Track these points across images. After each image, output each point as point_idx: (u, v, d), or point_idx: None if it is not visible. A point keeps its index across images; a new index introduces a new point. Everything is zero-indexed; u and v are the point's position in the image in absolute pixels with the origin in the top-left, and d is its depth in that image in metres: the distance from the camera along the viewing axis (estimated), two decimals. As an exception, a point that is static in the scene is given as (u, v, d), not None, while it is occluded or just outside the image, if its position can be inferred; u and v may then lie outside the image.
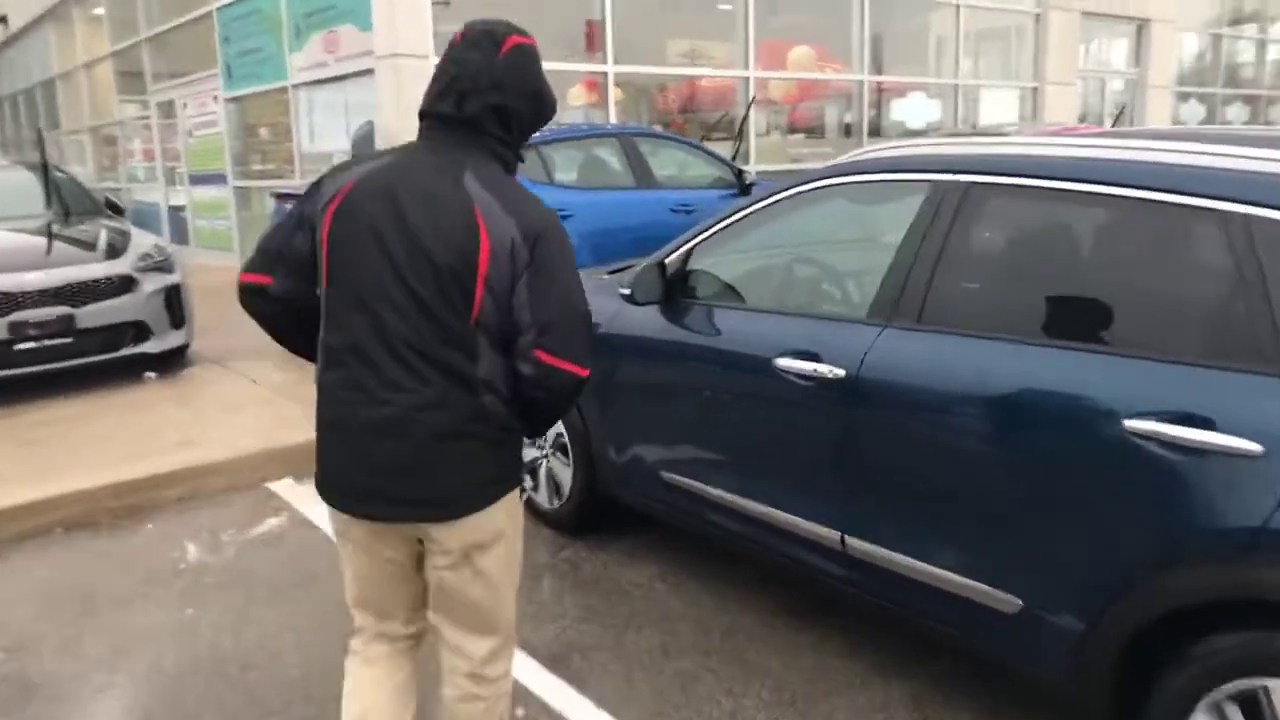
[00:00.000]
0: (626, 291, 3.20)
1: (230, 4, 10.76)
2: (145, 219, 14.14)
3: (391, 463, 1.75)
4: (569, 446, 3.80)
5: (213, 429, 5.00)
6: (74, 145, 17.05)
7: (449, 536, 1.82)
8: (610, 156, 6.90)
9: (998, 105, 13.68)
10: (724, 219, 3.28)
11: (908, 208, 2.75)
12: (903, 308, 2.62)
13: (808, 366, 2.74)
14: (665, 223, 6.71)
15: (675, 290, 3.30)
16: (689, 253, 3.31)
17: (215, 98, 11.51)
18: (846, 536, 2.71)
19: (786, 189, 3.10)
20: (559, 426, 3.82)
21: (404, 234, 1.74)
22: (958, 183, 2.59)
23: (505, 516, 1.88)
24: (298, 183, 10.08)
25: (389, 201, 1.76)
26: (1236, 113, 17.90)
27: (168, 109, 12.90)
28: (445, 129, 1.82)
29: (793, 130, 11.98)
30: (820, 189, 3.02)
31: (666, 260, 3.30)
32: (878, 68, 12.05)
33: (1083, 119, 14.22)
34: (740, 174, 7.26)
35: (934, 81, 13.00)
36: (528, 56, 1.85)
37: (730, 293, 3.29)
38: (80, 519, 4.16)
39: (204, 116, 11.94)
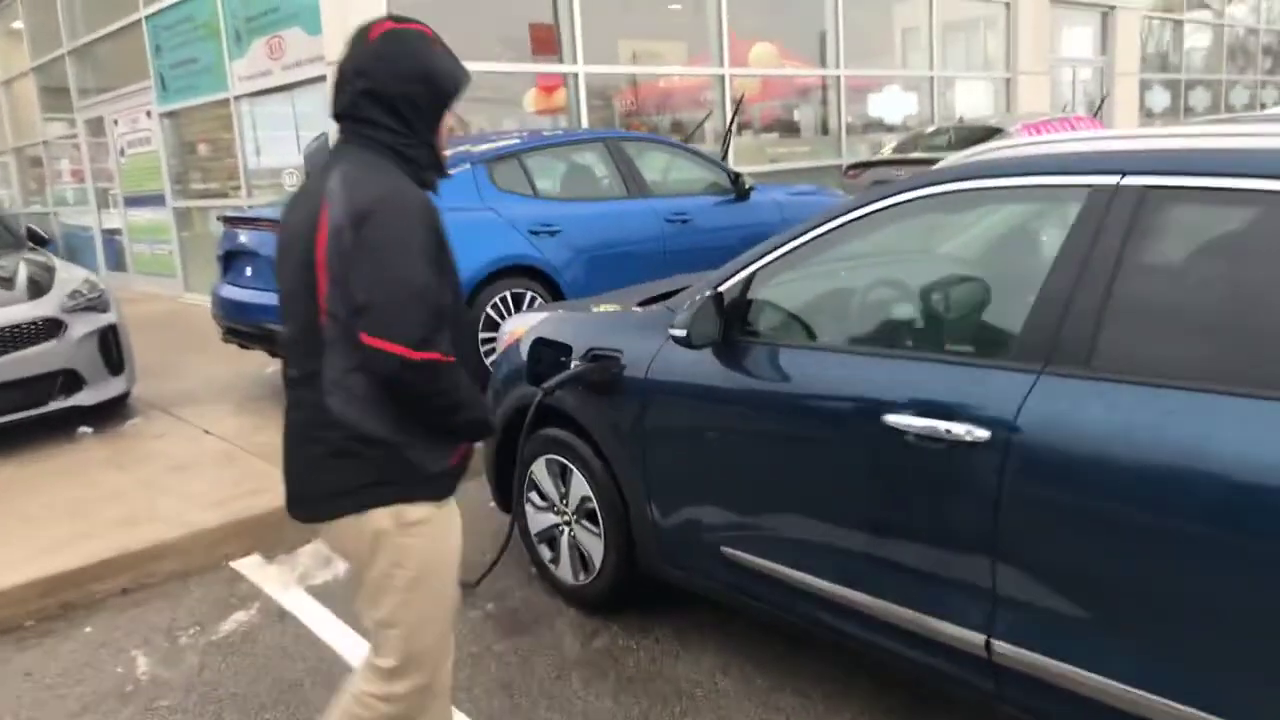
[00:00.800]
0: (680, 334, 2.58)
1: (161, 10, 9.93)
2: (78, 245, 13.18)
3: (285, 464, 1.94)
4: (598, 513, 3.16)
5: (161, 497, 4.28)
6: (-4, 168, 15.97)
7: (328, 539, 1.98)
8: (596, 163, 6.27)
9: (971, 97, 13.29)
10: (792, 238, 2.67)
11: (1051, 220, 2.17)
12: (1064, 348, 2.03)
13: (935, 425, 2.15)
14: (660, 235, 6.12)
15: (732, 327, 2.68)
16: (749, 281, 2.69)
17: (148, 113, 10.65)
18: (994, 641, 2.12)
19: (875, 201, 2.50)
20: (585, 490, 3.20)
21: (282, 236, 1.88)
22: (1131, 186, 2.01)
23: (386, 539, 1.84)
24: (246, 203, 9.29)
25: (285, 210, 1.91)
26: (1199, 98, 17.79)
27: (97, 126, 11.98)
28: (340, 128, 1.87)
29: (765, 130, 11.44)
30: (921, 199, 2.42)
31: (723, 290, 2.68)
32: (848, 62, 11.55)
33: (1064, 110, 13.89)
34: (737, 178, 6.67)
35: (907, 74, 12.55)
36: (403, 41, 1.83)
37: (804, 329, 2.69)
38: None
39: (137, 133, 11.07)
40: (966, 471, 2.12)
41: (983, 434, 2.07)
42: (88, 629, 3.42)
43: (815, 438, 2.47)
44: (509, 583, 3.59)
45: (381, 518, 1.81)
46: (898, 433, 2.22)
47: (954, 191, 2.39)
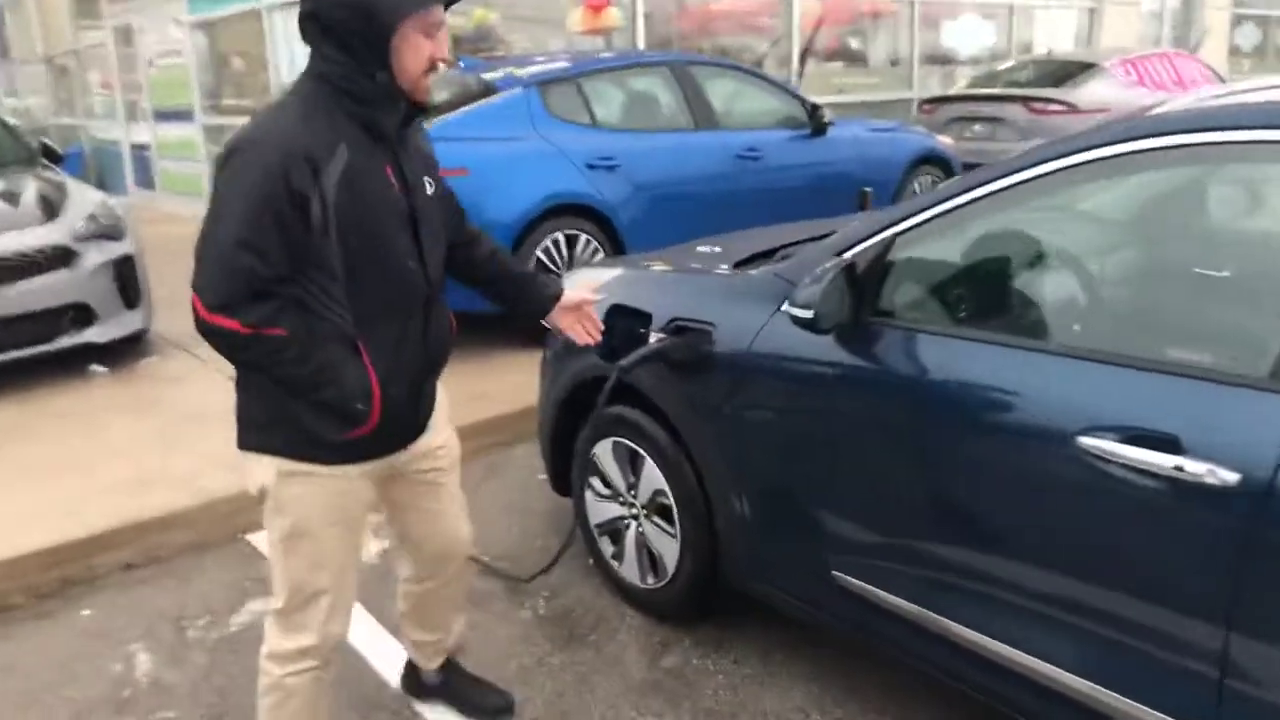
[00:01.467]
0: (804, 314, 2.04)
1: (192, -90, 9.28)
2: (106, 160, 12.73)
3: None
4: (674, 510, 2.67)
5: (174, 454, 3.85)
6: (27, 77, 15.47)
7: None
8: (660, 90, 5.65)
9: (1051, 27, 12.35)
10: (946, 198, 2.10)
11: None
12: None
13: (1157, 459, 1.62)
14: (730, 173, 5.53)
15: (861, 305, 2.14)
16: (885, 249, 2.14)
17: (178, 22, 10.06)
18: (1218, 742, 1.62)
19: (1063, 154, 1.92)
20: (658, 482, 2.70)
21: None
22: None
23: (264, 485, 1.83)
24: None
25: None
26: (1291, 37, 16.60)
27: (126, 35, 11.42)
28: None
29: (830, 59, 10.66)
30: (1128, 156, 1.85)
31: (855, 261, 2.13)
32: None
33: (1156, 44, 12.89)
34: (815, 110, 6.02)
35: (985, 1, 11.64)
36: None
37: (961, 315, 2.13)
38: (-11, 600, 3.03)
39: (166, 44, 10.50)
40: (1199, 522, 1.60)
41: (1229, 476, 1.54)
42: (85, 612, 3.01)
43: (975, 454, 1.94)
44: (563, 575, 3.13)
45: (264, 461, 1.81)
46: (1097, 461, 1.70)
47: (1180, 147, 1.81)
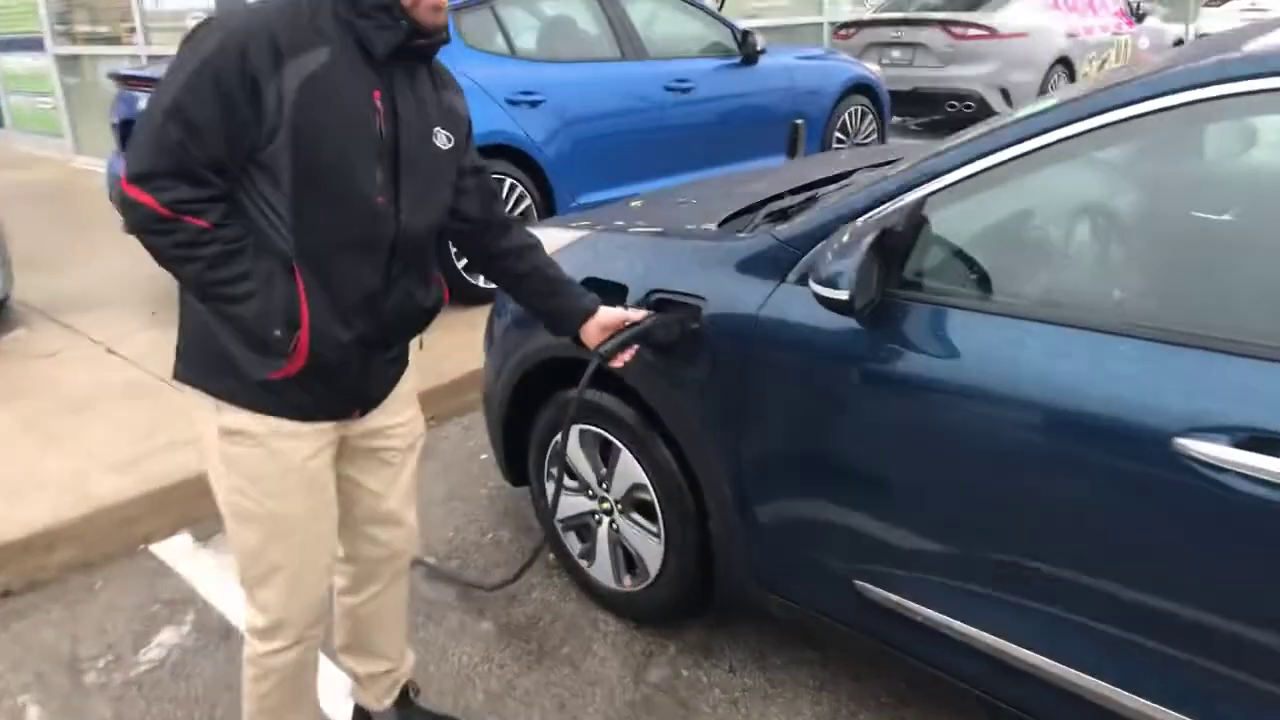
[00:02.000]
0: (838, 295, 1.71)
1: None
2: (-56, 96, 11.41)
3: None
4: (657, 506, 2.35)
5: (52, 453, 3.31)
6: None
7: None
8: (585, 16, 5.16)
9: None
10: (991, 149, 1.78)
11: None
12: None
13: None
14: (660, 106, 5.13)
15: (888, 277, 1.83)
16: (917, 212, 1.82)
17: (18, -65, 8.94)
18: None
19: (1149, 94, 1.62)
20: (636, 475, 2.37)
21: None
22: None
23: (203, 434, 1.66)
24: (142, 51, 7.87)
25: None
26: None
27: (-43, -49, 10.12)
28: None
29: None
30: (1230, 97, 1.56)
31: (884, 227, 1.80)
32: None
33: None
34: (746, 36, 5.63)
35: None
36: None
37: (1012, 291, 1.83)
38: None
39: (5, -38, 9.35)
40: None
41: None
42: (-50, 658, 2.53)
43: (1039, 455, 1.66)
44: (522, 579, 2.79)
45: (204, 408, 1.63)
46: (1199, 467, 1.44)
47: (1257, 93, 1.53)
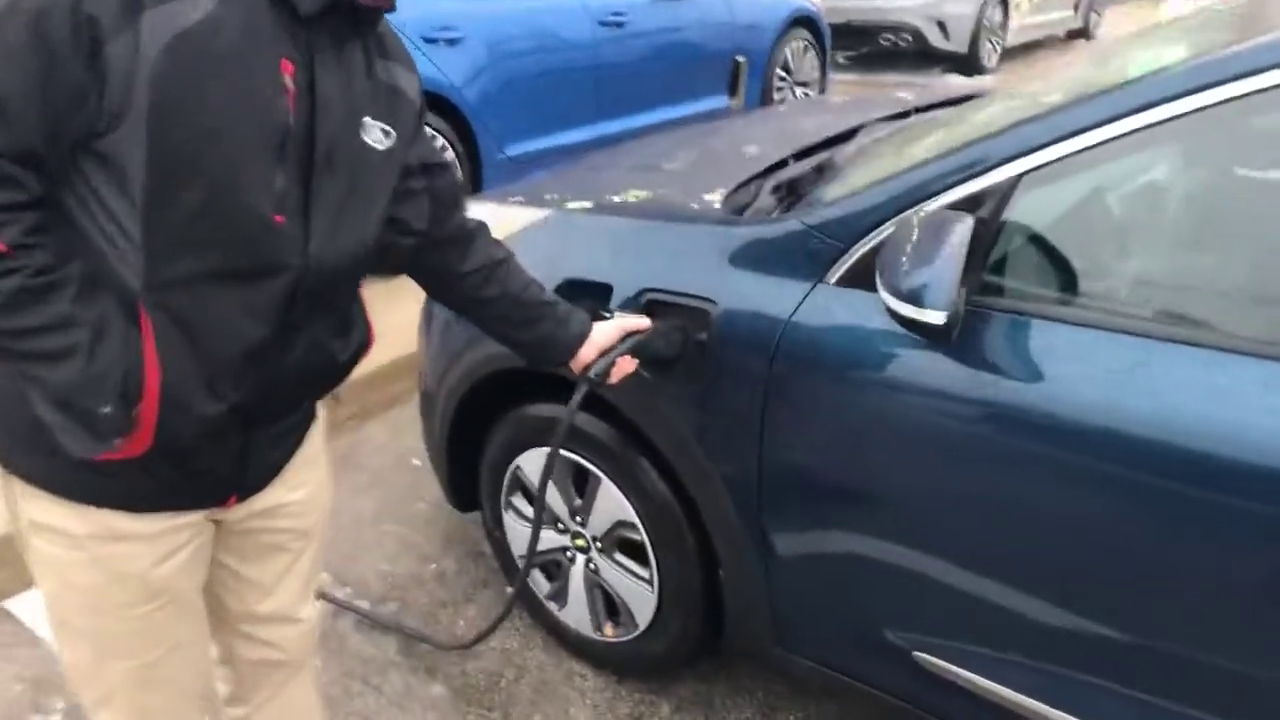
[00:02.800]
0: (927, 317, 1.28)
1: None
2: None
3: None
4: (649, 549, 1.92)
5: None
6: None
7: None
8: (505, -60, 4.54)
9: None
10: (1114, 114, 1.35)
11: None
12: None
13: None
14: (593, 42, 4.58)
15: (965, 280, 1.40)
16: (1005, 197, 1.39)
17: None
18: None
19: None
20: (621, 511, 1.94)
21: None
22: None
23: (17, 521, 1.20)
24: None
25: None
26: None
27: None
28: None
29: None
30: None
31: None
32: None
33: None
34: (682, -36, 5.08)
35: None
36: None
37: (1138, 300, 1.42)
38: None
39: None
40: None
41: None
42: None
43: (1181, 507, 1.27)
44: (475, 620, 2.34)
45: (8, 484, 1.17)
46: None
47: None
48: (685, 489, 1.82)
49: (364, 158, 1.16)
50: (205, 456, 1.18)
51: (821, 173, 2.02)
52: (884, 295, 1.35)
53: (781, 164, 2.10)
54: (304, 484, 1.39)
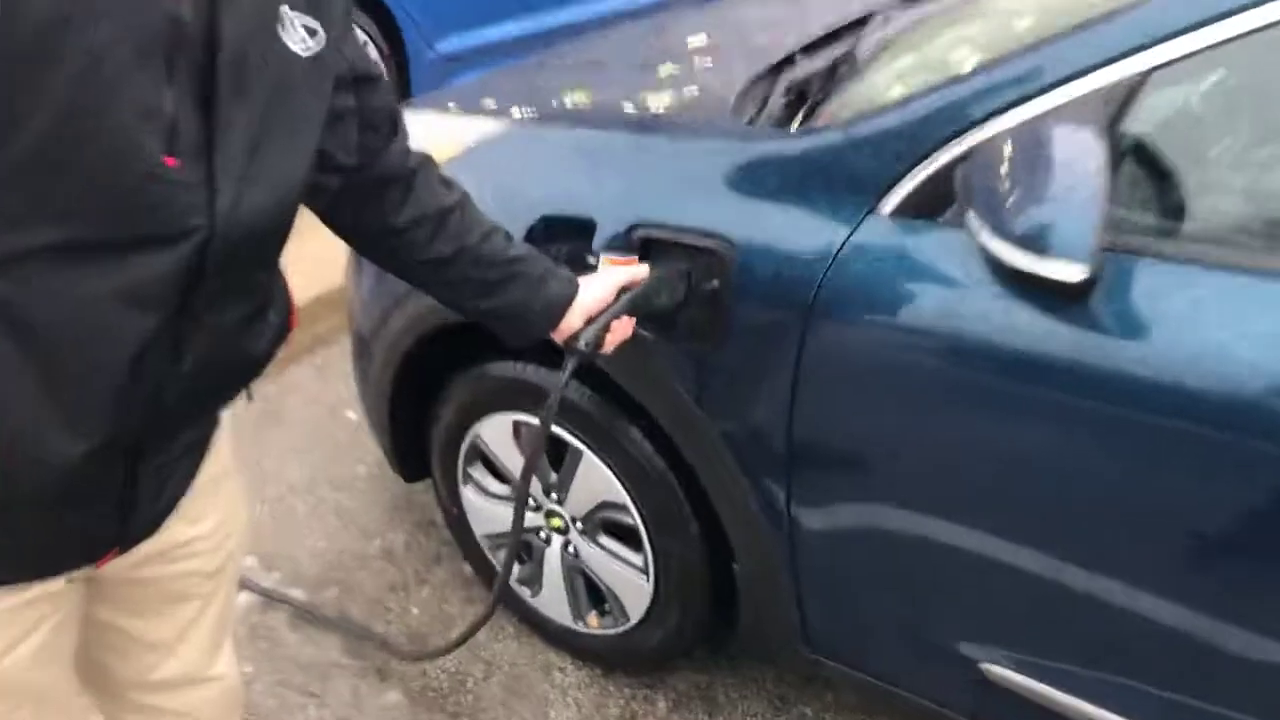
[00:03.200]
0: (1044, 268, 0.94)
1: None
2: None
3: None
4: (644, 534, 1.60)
5: None
6: None
7: None
8: None
9: None
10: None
11: None
12: None
13: None
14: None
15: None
16: (1128, 100, 1.04)
17: None
18: None
19: None
20: (609, 492, 1.61)
21: None
22: None
23: None
24: None
25: None
26: None
27: None
28: None
29: None
30: None
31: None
32: None
33: None
34: None
35: None
36: None
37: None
38: None
39: None
40: None
41: None
42: None
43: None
44: (429, 602, 2.02)
45: None
46: None
47: None
48: (687, 466, 1.50)
49: (285, 68, 0.80)
50: (74, 510, 0.83)
51: (839, 72, 1.65)
52: (984, 239, 1.01)
53: (787, 60, 1.72)
54: (209, 512, 1.04)
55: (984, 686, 1.32)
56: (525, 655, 1.91)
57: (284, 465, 2.39)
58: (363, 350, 1.92)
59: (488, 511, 1.84)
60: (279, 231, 0.88)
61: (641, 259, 1.37)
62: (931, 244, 1.16)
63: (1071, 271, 0.92)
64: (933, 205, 1.18)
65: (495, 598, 1.49)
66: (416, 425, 1.91)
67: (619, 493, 1.60)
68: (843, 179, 1.26)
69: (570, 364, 1.24)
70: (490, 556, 1.91)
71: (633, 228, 1.39)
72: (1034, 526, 1.20)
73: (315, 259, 2.32)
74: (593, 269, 1.34)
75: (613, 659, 1.85)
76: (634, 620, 1.72)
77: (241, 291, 0.86)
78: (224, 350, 0.87)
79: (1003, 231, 0.99)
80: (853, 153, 1.25)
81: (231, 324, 0.87)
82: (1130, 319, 1.02)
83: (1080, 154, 0.95)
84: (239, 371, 0.94)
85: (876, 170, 1.23)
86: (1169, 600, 1.12)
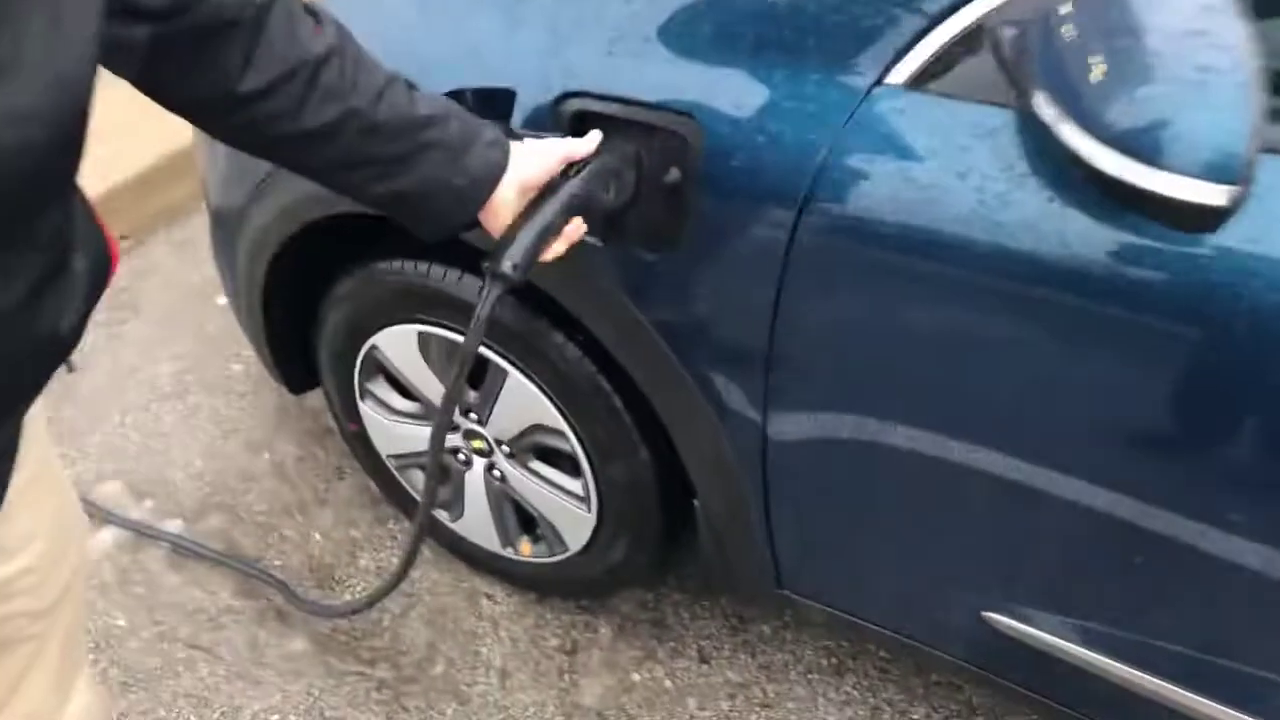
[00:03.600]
0: (1173, 187, 0.68)
1: None
2: None
3: None
4: (585, 458, 1.36)
5: None
6: None
7: None
8: None
9: None
10: None
11: None
12: None
13: None
14: None
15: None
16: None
17: None
18: None
19: None
20: (543, 414, 1.36)
21: None
22: None
23: None
24: None
25: None
26: None
27: None
28: None
29: None
30: None
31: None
32: None
33: None
34: None
35: None
36: None
37: None
38: None
39: None
40: None
41: None
42: None
43: None
44: (335, 529, 1.76)
45: None
46: None
47: None
48: (635, 389, 1.24)
49: None
50: None
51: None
52: (1063, 133, 0.73)
53: None
54: (27, 539, 0.75)
55: (984, 632, 1.15)
56: (448, 583, 1.68)
57: (145, 366, 2.04)
58: (224, 236, 1.56)
59: (393, 430, 1.57)
60: (65, 149, 0.56)
61: (576, 130, 1.06)
62: (966, 125, 0.89)
63: (1210, 194, 0.66)
64: (967, 76, 0.90)
65: (413, 541, 1.21)
66: (298, 327, 1.59)
67: (552, 416, 1.34)
68: (840, 36, 0.96)
69: (492, 292, 0.94)
70: (399, 477, 1.65)
71: (563, 97, 1.07)
72: (1064, 461, 0.99)
73: (159, 116, 1.91)
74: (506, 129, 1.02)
75: (548, 587, 1.65)
76: (573, 550, 1.50)
77: (18, 250, 0.55)
78: (7, 339, 0.57)
79: (1091, 125, 0.72)
80: (860, 2, 0.95)
81: (13, 301, 0.56)
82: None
83: (1214, 29, 0.67)
84: (36, 360, 0.64)
85: (886, 27, 0.93)
86: (1221, 556, 0.94)
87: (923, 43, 0.92)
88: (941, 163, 0.90)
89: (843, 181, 0.95)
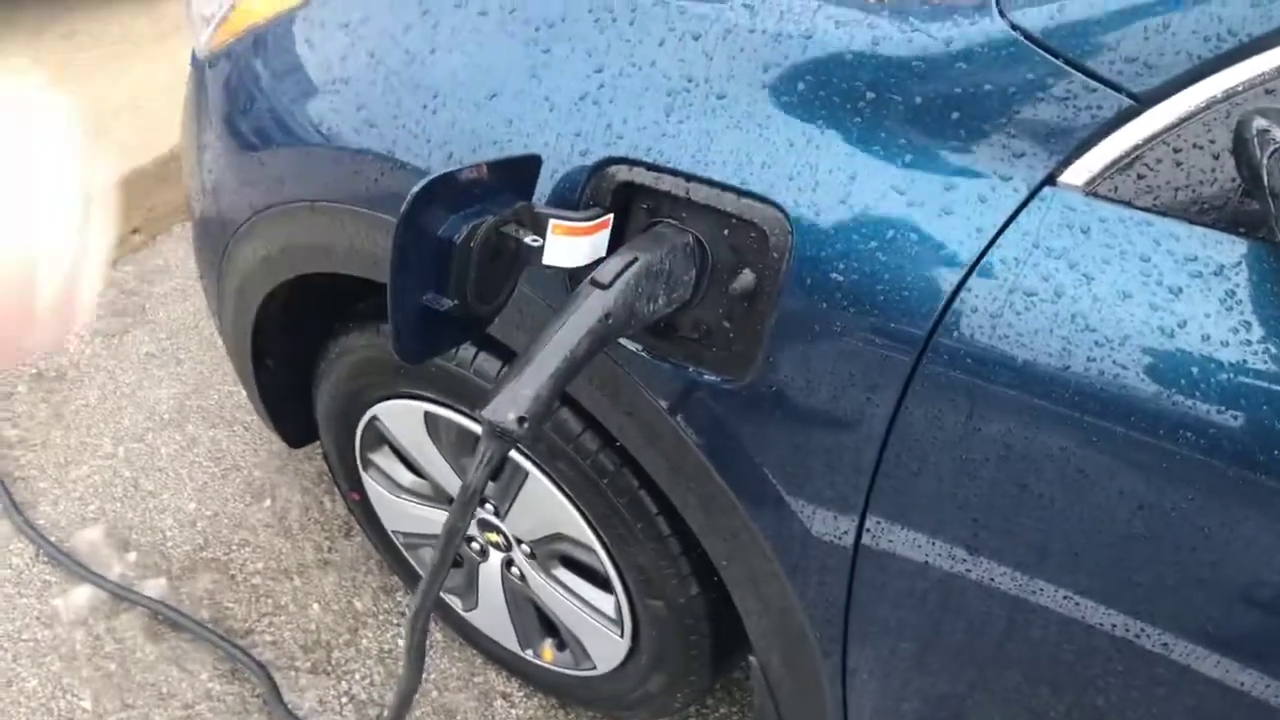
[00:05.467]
0: None
1: None
2: None
3: None
4: (620, 585, 1.11)
5: None
6: None
7: None
8: None
9: None
10: None
11: None
12: None
13: None
14: None
15: None
16: None
17: None
18: None
19: None
20: (566, 521, 1.10)
21: None
22: None
23: None
24: None
25: None
26: None
27: None
28: None
29: None
30: None
31: None
32: None
33: None
34: None
35: None
36: None
37: None
38: None
39: None
40: None
41: None
42: None
43: None
44: (336, 597, 1.54)
45: None
46: None
47: None
48: (703, 541, 0.98)
49: None
50: None
51: None
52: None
53: None
54: None
55: None
56: (459, 676, 1.45)
57: (144, 387, 1.84)
58: (210, 257, 1.32)
59: (398, 507, 1.33)
60: None
61: (618, 219, 0.79)
62: (1178, 257, 0.61)
63: None
64: (1177, 180, 0.62)
65: (413, 648, 0.98)
66: (297, 372, 1.36)
67: (579, 528, 1.09)
68: (998, 109, 0.67)
69: (490, 454, 0.68)
70: (406, 555, 1.42)
71: (604, 163, 0.80)
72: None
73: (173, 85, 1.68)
74: (530, 248, 0.76)
75: (573, 697, 1.41)
76: (601, 671, 1.26)
77: None
78: None
79: None
80: (1025, 62, 0.66)
81: None
82: None
83: None
84: None
85: (1071, 106, 0.65)
86: None
87: (1120, 131, 0.64)
88: (1138, 308, 0.62)
89: (990, 310, 0.67)
